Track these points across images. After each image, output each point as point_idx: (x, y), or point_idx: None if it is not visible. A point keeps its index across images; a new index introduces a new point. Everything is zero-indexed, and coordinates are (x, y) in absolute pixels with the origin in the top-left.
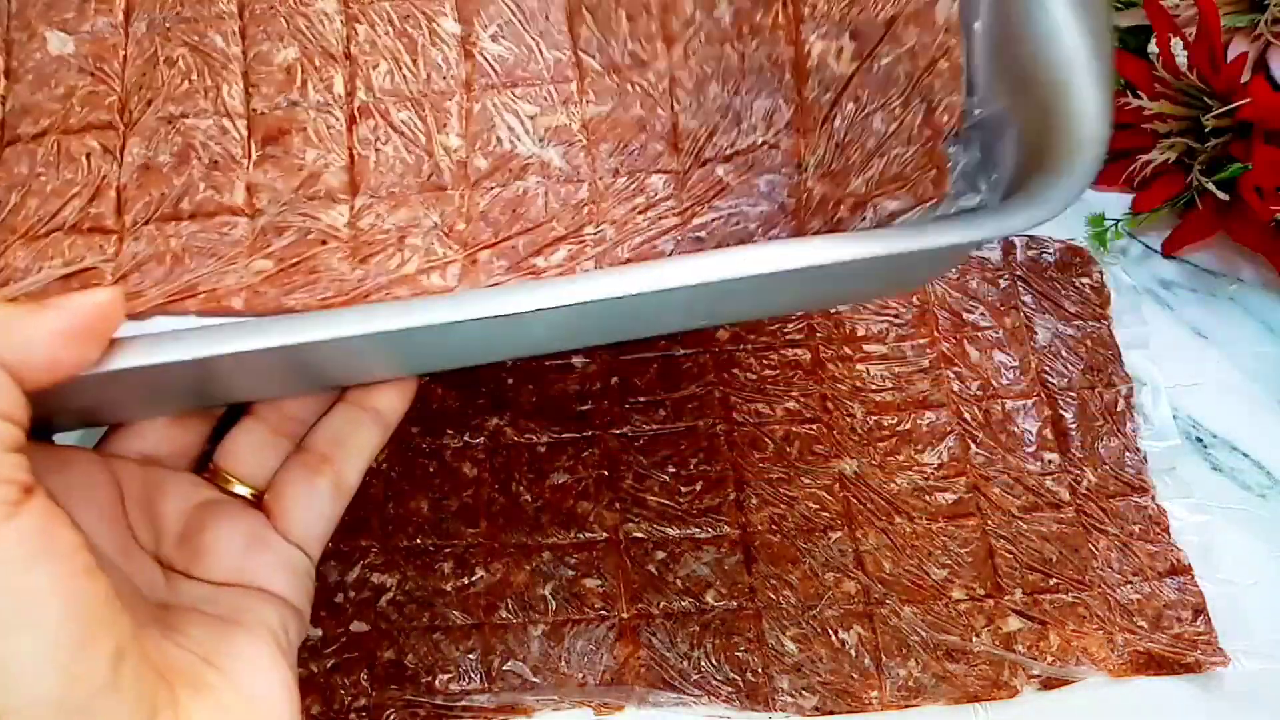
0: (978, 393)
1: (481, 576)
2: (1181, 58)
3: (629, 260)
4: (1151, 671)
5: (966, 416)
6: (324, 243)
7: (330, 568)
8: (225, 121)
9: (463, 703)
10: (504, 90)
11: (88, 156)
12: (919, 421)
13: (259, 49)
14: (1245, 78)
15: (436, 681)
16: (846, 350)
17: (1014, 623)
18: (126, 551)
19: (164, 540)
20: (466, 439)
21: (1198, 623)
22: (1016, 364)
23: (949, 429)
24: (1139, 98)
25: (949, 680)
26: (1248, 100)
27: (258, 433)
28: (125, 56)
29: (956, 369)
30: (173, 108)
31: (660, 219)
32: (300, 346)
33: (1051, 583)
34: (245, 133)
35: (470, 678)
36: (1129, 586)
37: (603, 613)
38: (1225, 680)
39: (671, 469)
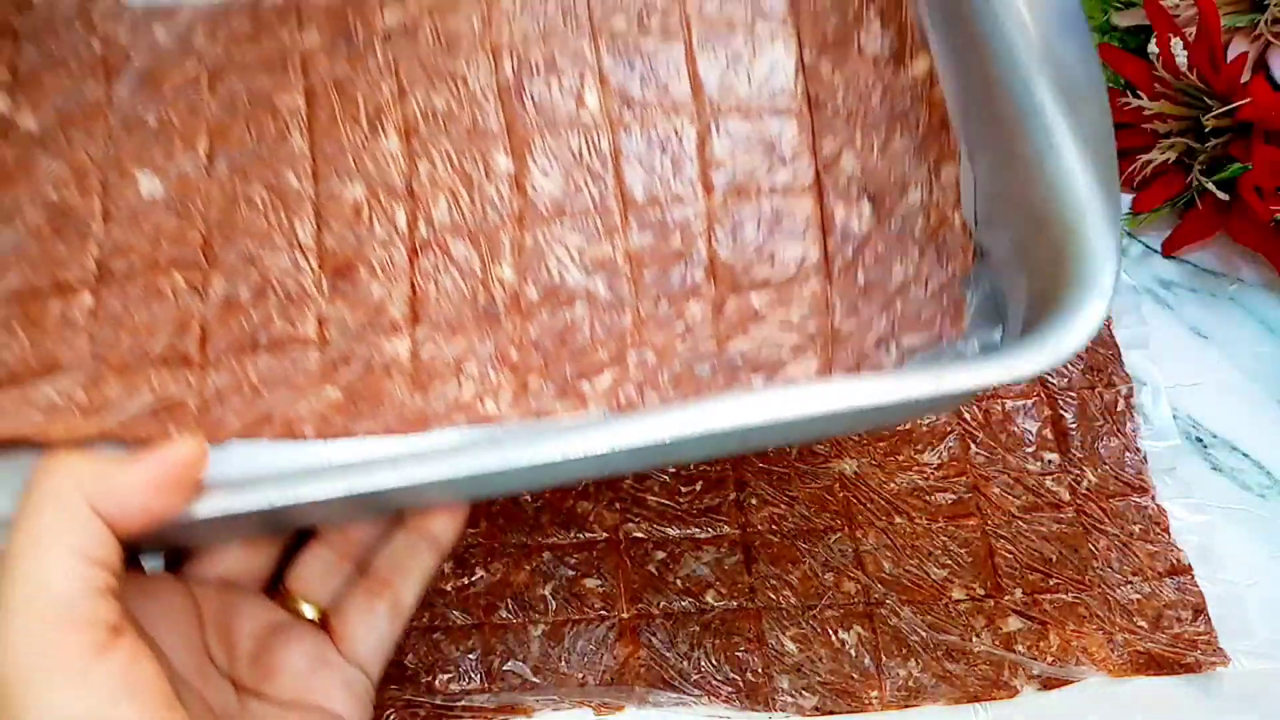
0: None
1: (481, 576)
2: (1181, 58)
3: (669, 385)
4: (1151, 671)
5: (966, 416)
6: (388, 372)
7: None
8: (299, 257)
9: (463, 703)
10: (553, 223)
11: (175, 293)
12: (919, 421)
13: (329, 187)
14: (1245, 78)
15: (436, 681)
16: None
17: (1014, 623)
18: (203, 672)
19: (237, 660)
20: None
21: (1198, 623)
22: None
23: (949, 429)
24: (1139, 98)
25: (949, 680)
26: (1248, 100)
27: (324, 557)
28: (208, 196)
29: None
30: (251, 245)
31: (699, 345)
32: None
33: (1051, 583)
34: (317, 267)
35: (470, 678)
36: (1129, 586)
37: (603, 613)
38: (1225, 680)
39: (671, 469)
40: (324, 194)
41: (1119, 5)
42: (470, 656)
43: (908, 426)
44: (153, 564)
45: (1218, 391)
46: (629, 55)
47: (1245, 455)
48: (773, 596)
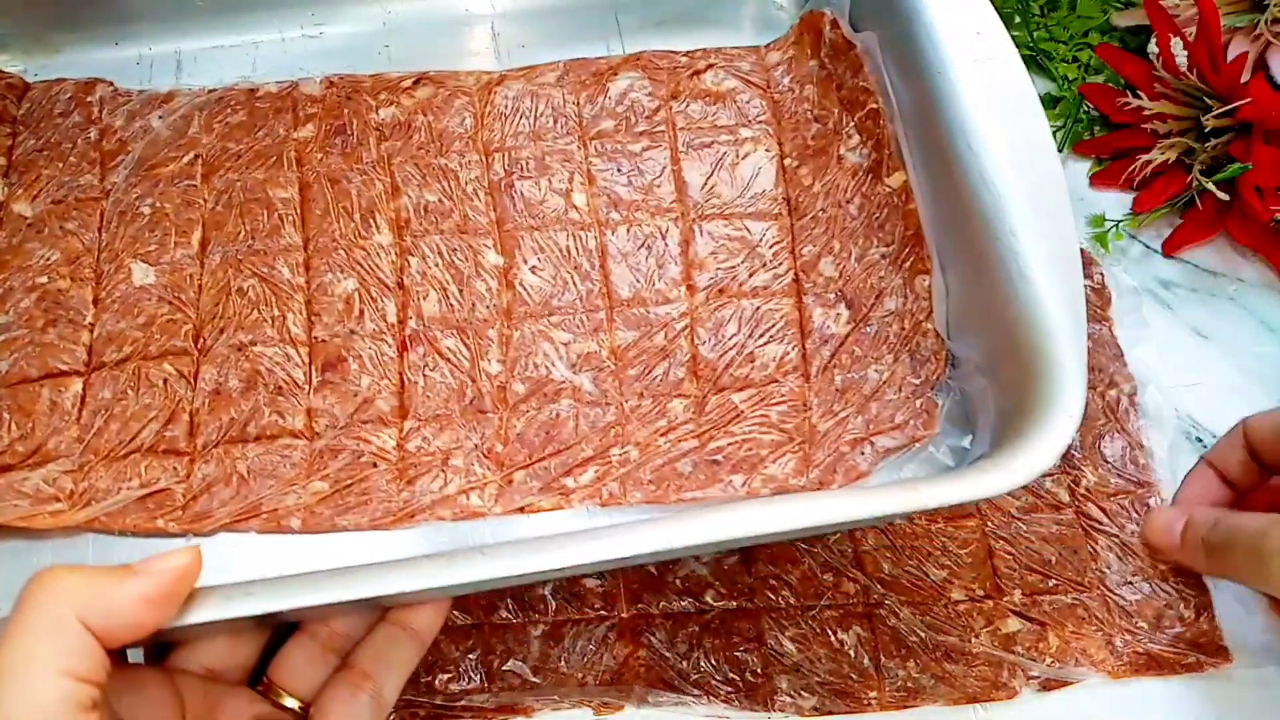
0: None
1: None
2: (1181, 58)
3: (651, 481)
4: (1152, 672)
5: None
6: (374, 465)
7: None
8: (289, 349)
9: (462, 703)
10: (540, 319)
11: (165, 382)
12: None
13: (321, 280)
14: (1245, 78)
15: (436, 681)
16: None
17: (1013, 624)
18: None
19: None
20: None
21: (1200, 621)
22: None
23: None
24: (1139, 98)
25: (948, 681)
26: (1248, 100)
27: (308, 649)
28: (201, 286)
29: None
30: (243, 336)
31: (680, 441)
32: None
33: (1051, 584)
34: (307, 360)
35: (470, 678)
36: (1129, 587)
37: (602, 613)
38: (1227, 680)
39: None
40: (315, 286)
41: (1119, 5)
42: (470, 656)
43: None
44: (135, 654)
45: (1218, 391)
46: (616, 157)
47: None
48: (772, 597)
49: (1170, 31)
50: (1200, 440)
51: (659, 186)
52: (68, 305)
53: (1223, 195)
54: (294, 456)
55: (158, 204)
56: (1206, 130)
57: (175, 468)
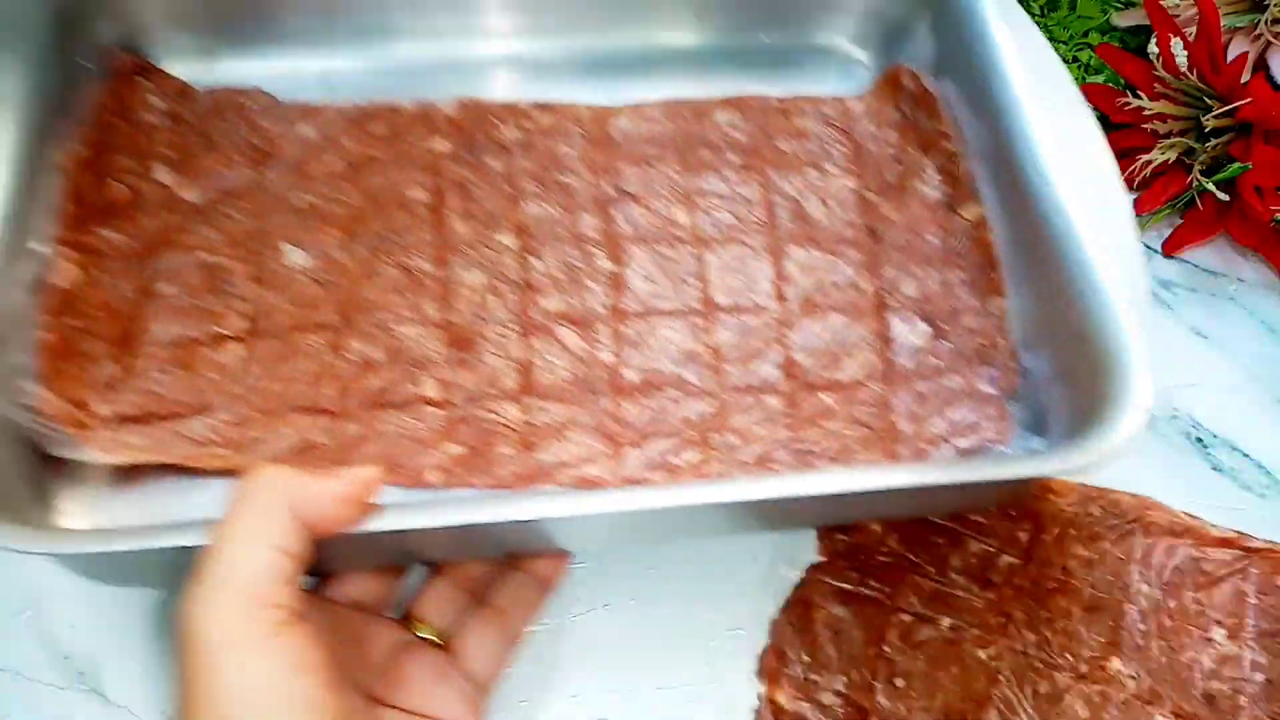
0: None
1: None
2: (1181, 58)
3: (751, 464)
4: None
5: None
6: (501, 434)
7: None
8: (426, 330)
9: None
10: (649, 318)
11: (315, 351)
12: None
13: (452, 272)
14: (1245, 78)
15: None
16: None
17: None
18: (339, 678)
19: (368, 673)
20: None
21: None
22: None
23: None
24: (1139, 98)
25: None
26: (1248, 100)
27: (444, 588)
28: (347, 271)
29: None
30: (384, 315)
31: (776, 432)
32: (492, 524)
33: None
34: (441, 339)
35: None
36: None
37: None
38: None
39: None
40: (448, 278)
41: (1119, 5)
42: None
43: None
44: None
45: (1218, 391)
46: (714, 182)
47: (1245, 455)
48: None
49: (1170, 31)
50: (1200, 440)
51: (752, 209)
52: (229, 279)
53: (1223, 195)
54: (430, 423)
55: (309, 199)
56: (1206, 130)
57: (325, 426)
